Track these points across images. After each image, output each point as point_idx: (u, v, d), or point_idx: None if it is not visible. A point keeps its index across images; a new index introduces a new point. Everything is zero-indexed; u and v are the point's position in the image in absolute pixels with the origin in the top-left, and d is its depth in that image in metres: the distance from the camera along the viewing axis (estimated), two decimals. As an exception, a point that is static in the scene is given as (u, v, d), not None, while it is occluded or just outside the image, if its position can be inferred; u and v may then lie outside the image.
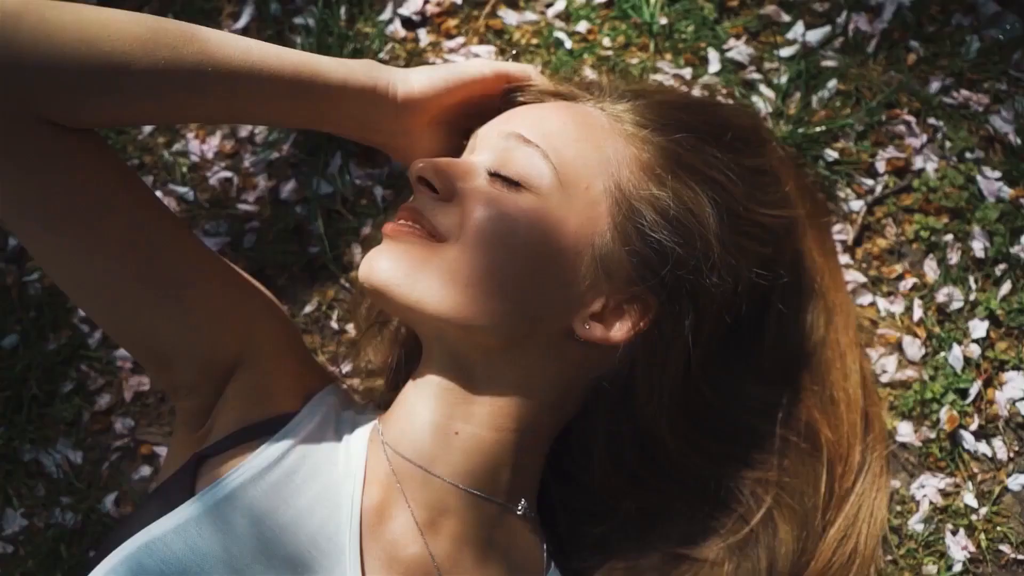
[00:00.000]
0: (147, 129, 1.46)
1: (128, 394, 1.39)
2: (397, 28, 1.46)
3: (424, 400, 1.11)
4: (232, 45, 1.04)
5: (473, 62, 1.16)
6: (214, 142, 1.44)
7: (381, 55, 1.44)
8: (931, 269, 1.36)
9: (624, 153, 1.09)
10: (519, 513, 1.15)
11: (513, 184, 1.07)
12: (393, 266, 1.06)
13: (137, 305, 1.07)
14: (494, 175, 1.08)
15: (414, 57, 1.45)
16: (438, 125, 1.17)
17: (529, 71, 1.18)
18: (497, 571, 1.15)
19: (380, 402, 1.28)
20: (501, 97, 1.17)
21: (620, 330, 1.08)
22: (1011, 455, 1.30)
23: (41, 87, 0.96)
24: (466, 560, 1.14)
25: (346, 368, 1.34)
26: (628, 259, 1.07)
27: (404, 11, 1.47)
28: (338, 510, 1.09)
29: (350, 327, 1.38)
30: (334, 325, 1.39)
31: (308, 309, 1.39)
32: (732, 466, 1.17)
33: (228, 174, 1.43)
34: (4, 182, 1.00)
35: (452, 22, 1.47)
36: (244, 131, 1.44)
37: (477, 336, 1.07)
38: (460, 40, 1.46)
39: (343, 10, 1.45)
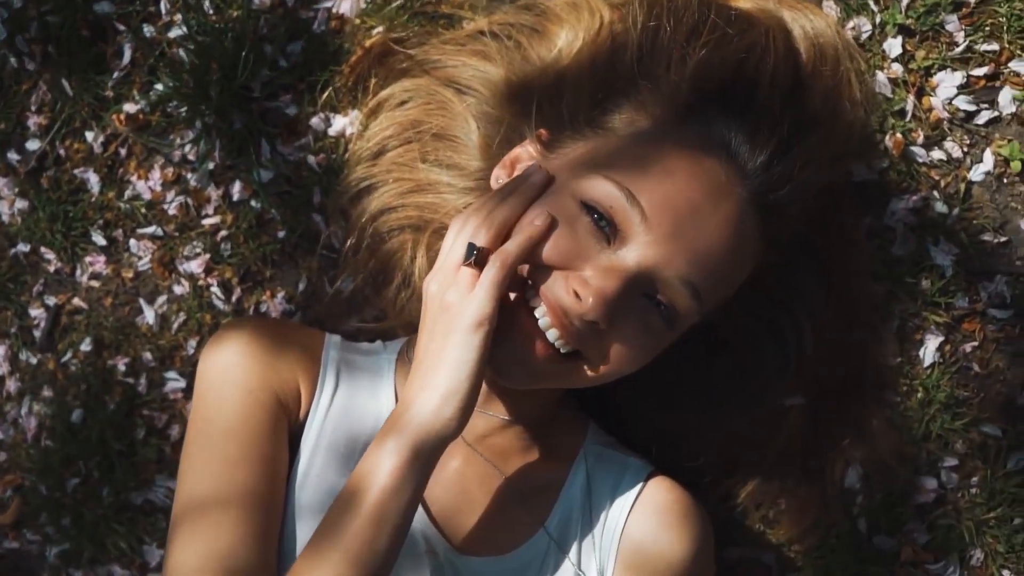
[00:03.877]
0: (95, 189, 1.55)
1: (191, 419, 1.54)
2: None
3: None
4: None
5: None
6: (156, 175, 1.53)
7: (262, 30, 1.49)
8: (830, 7, 1.37)
9: (747, 272, 1.20)
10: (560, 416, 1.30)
11: (668, 321, 1.13)
12: (532, 380, 1.15)
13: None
14: (655, 302, 1.13)
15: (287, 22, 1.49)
16: None
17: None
18: (541, 451, 1.29)
19: (385, 335, 1.41)
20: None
21: None
22: (964, 150, 1.35)
23: None
24: (512, 453, 1.28)
25: (353, 323, 1.46)
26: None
27: (262, -21, 1.50)
28: None
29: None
30: (328, 289, 1.49)
31: (302, 287, 1.50)
32: None
33: (181, 198, 1.52)
34: None
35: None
36: (176, 154, 1.52)
37: None
38: (320, -16, 1.49)
39: (207, 4, 1.49)
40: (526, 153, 1.23)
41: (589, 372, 1.16)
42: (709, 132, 1.15)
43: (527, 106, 1.27)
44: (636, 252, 1.11)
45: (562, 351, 1.13)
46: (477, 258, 1.08)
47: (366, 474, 1.07)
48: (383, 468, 1.07)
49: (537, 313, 1.12)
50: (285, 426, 1.24)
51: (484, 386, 1.25)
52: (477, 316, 1.07)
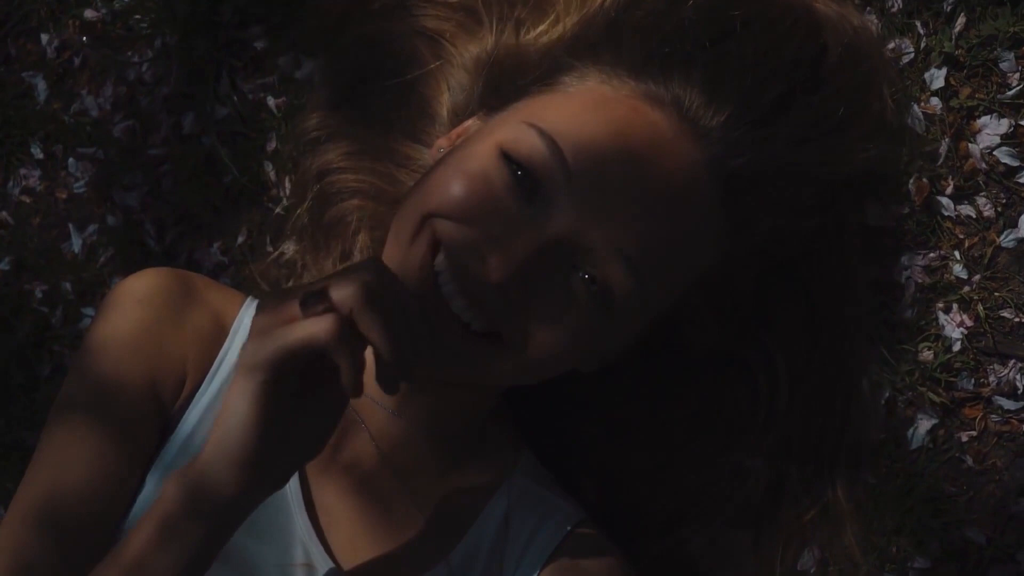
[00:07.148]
0: (43, 97, 1.43)
1: (100, 363, 1.41)
2: None
3: None
4: None
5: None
6: (108, 92, 1.40)
7: None
8: (872, 24, 1.20)
9: (709, 258, 1.00)
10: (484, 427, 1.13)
11: (601, 301, 0.95)
12: (439, 361, 0.97)
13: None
14: (587, 277, 0.95)
15: None
16: None
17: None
18: (460, 474, 1.13)
19: None
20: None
21: None
22: (998, 209, 1.17)
23: None
24: (425, 470, 1.12)
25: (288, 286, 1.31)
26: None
27: None
28: None
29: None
30: (269, 248, 1.35)
31: (240, 240, 1.36)
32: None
33: (129, 122, 1.39)
34: None
35: None
36: (133, 73, 1.38)
37: None
38: None
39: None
40: (474, 124, 1.08)
41: (511, 361, 0.98)
42: (663, 86, 0.97)
43: (497, 77, 1.12)
44: (557, 212, 0.93)
45: (472, 327, 0.96)
46: (310, 303, 0.85)
47: (141, 519, 0.90)
48: (150, 518, 0.88)
49: (441, 280, 0.95)
50: (154, 408, 1.07)
51: (402, 386, 1.09)
52: (256, 357, 0.85)
